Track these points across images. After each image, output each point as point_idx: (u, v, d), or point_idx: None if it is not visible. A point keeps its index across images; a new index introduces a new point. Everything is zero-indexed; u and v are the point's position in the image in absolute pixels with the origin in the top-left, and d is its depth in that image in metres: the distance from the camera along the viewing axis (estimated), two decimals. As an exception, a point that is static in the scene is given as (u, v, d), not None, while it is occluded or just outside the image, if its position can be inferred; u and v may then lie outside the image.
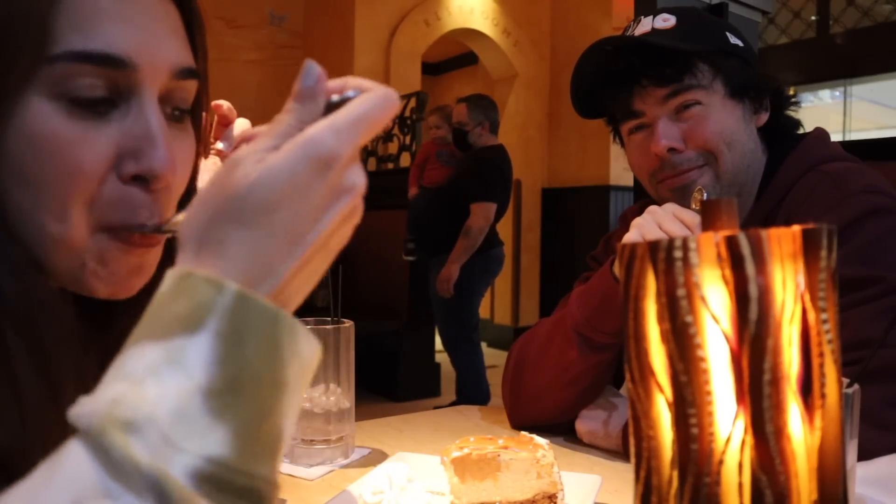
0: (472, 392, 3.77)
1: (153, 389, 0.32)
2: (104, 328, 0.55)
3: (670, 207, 0.88)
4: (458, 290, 3.57)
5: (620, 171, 5.39)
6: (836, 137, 1.08)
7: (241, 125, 0.71)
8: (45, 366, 0.46)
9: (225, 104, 0.70)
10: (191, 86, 0.53)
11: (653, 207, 0.89)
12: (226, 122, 0.71)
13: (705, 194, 0.94)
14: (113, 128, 0.47)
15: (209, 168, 0.72)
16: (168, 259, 0.54)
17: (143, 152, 0.48)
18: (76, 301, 0.52)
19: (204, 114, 0.73)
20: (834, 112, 7.56)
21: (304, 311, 1.13)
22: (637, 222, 0.89)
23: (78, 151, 0.46)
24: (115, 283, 0.50)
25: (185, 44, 0.53)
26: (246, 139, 0.71)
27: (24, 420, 0.44)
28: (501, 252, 3.81)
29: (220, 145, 0.70)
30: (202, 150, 0.74)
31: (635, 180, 1.11)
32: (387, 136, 5.17)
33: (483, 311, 6.72)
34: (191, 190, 0.58)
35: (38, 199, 0.46)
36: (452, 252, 3.54)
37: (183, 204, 0.55)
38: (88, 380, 0.38)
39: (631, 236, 0.88)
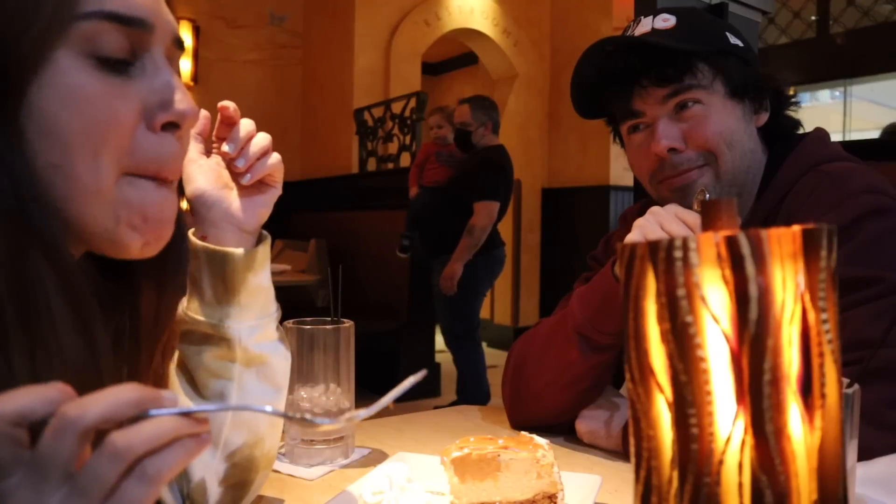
0: (472, 392, 3.78)
1: None
2: (123, 299, 0.57)
3: (672, 208, 0.88)
4: (461, 289, 3.58)
5: (620, 171, 5.39)
6: (836, 137, 1.08)
7: (246, 126, 0.71)
8: (84, 329, 0.48)
9: (231, 105, 0.71)
10: (180, 58, 0.57)
11: (655, 208, 0.89)
12: (230, 123, 0.71)
13: (707, 195, 0.94)
14: (136, 84, 0.51)
15: (212, 168, 0.72)
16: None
17: (170, 101, 0.52)
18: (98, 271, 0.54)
19: (205, 112, 0.73)
20: (834, 112, 7.56)
21: (304, 311, 1.13)
22: (639, 223, 0.89)
23: (110, 103, 0.49)
24: (148, 230, 0.53)
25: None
26: (251, 138, 0.71)
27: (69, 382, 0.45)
28: (503, 252, 3.83)
29: (226, 147, 0.70)
30: (204, 145, 0.74)
31: (635, 180, 1.11)
32: (387, 136, 5.17)
33: (483, 311, 6.71)
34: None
35: (70, 153, 0.48)
36: (456, 251, 3.56)
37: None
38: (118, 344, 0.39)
39: (633, 237, 0.88)
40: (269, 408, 0.45)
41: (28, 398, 0.37)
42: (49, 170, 0.48)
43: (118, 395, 0.38)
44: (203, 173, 0.72)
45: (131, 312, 0.58)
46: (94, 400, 0.37)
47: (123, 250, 0.53)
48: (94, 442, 0.37)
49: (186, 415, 0.39)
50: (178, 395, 0.71)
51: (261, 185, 0.73)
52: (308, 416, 0.49)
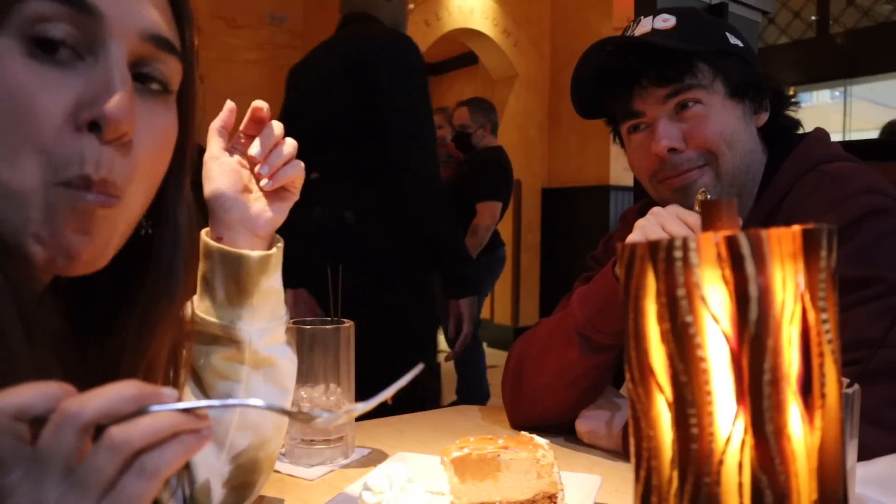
0: (472, 392, 3.79)
1: None
2: (101, 341, 0.54)
3: (674, 209, 0.88)
4: None
5: (620, 171, 5.39)
6: (836, 137, 1.08)
7: (275, 131, 0.71)
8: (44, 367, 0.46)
9: (265, 106, 0.70)
10: (171, 61, 0.52)
11: (656, 209, 0.89)
12: (260, 122, 0.71)
13: (708, 196, 0.94)
14: (75, 78, 0.46)
15: (233, 168, 0.72)
16: (134, 246, 0.53)
17: (100, 98, 0.46)
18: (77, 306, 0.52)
19: (230, 104, 0.72)
20: (834, 112, 7.56)
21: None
22: (640, 223, 0.89)
23: (35, 95, 0.45)
24: (55, 244, 0.47)
25: (166, 16, 0.52)
26: (277, 144, 0.71)
27: None
28: (504, 252, 3.85)
29: (252, 151, 0.70)
30: (226, 141, 0.73)
31: (635, 180, 1.11)
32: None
33: (483, 311, 6.72)
34: (175, 175, 0.56)
35: None
36: None
37: (165, 188, 0.55)
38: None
39: (634, 237, 0.88)
40: (261, 402, 0.43)
41: (29, 394, 0.37)
42: None
43: (118, 391, 0.37)
44: (224, 173, 0.71)
45: (103, 337, 0.54)
46: (94, 396, 0.37)
47: (30, 262, 0.47)
48: (94, 439, 0.37)
49: (186, 411, 0.39)
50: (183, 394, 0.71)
51: (280, 190, 0.73)
52: (306, 408, 0.49)
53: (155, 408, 0.38)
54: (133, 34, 0.49)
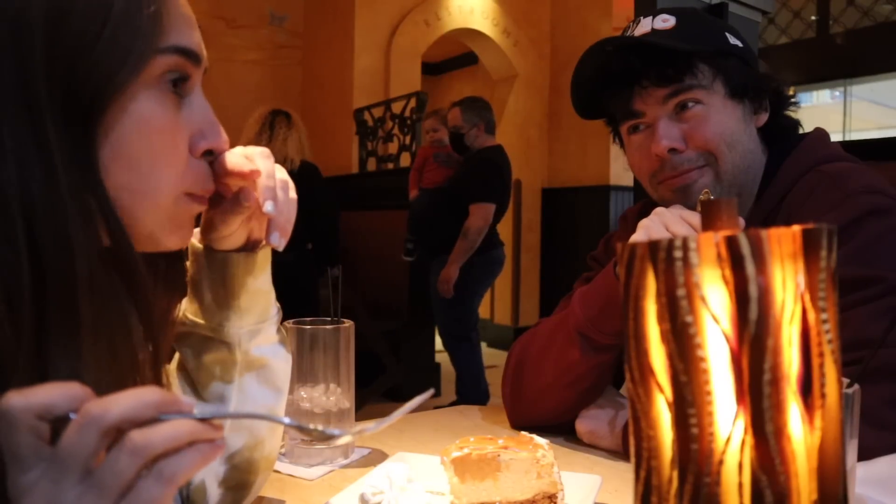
0: (471, 392, 3.79)
1: None
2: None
3: (677, 210, 0.88)
4: (458, 291, 3.59)
5: (620, 171, 5.39)
6: (835, 137, 1.08)
7: (279, 179, 0.67)
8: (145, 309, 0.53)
9: (244, 167, 0.64)
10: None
11: (660, 209, 0.89)
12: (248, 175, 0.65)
13: (711, 197, 0.94)
14: (185, 113, 0.57)
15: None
16: None
17: (209, 132, 0.58)
18: None
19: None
20: (834, 112, 7.56)
21: (304, 311, 1.12)
22: (644, 224, 0.89)
23: (173, 130, 0.55)
24: (186, 234, 0.60)
25: None
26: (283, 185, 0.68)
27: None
28: (502, 253, 3.83)
29: (267, 209, 0.64)
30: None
31: (635, 180, 1.11)
32: (387, 137, 5.17)
33: (483, 311, 6.71)
34: None
35: (139, 175, 0.53)
36: (452, 253, 3.56)
37: None
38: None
39: (638, 237, 0.88)
40: (287, 419, 0.47)
41: (53, 392, 0.39)
42: (119, 189, 0.52)
43: (140, 397, 0.39)
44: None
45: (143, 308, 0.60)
46: (116, 400, 0.38)
47: (158, 247, 0.58)
48: (111, 442, 0.38)
49: (203, 420, 0.40)
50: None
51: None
52: (320, 427, 0.51)
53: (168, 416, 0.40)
54: (202, 70, 0.59)
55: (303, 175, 3.42)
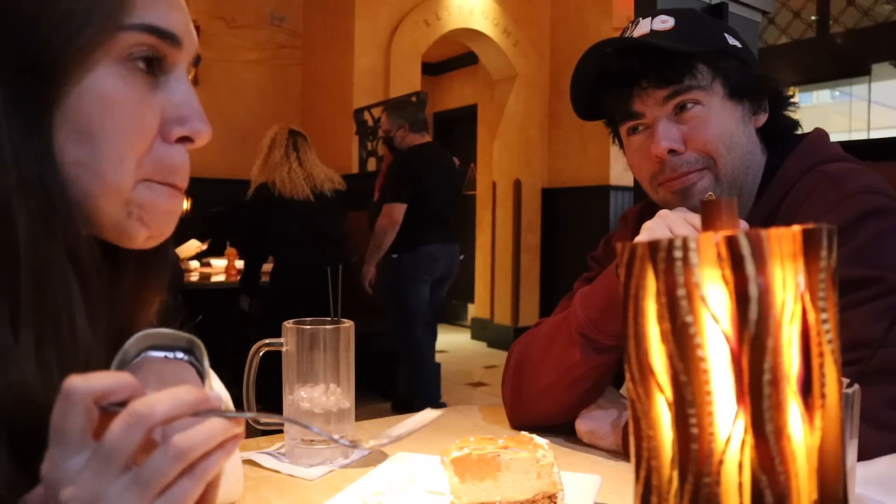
0: (417, 383, 3.87)
1: None
2: (113, 283, 0.60)
3: (681, 212, 0.88)
4: (390, 289, 3.73)
5: (620, 171, 5.39)
6: (836, 138, 1.08)
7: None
8: (89, 307, 0.52)
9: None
10: (193, 72, 0.61)
11: (664, 212, 0.89)
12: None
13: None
14: (159, 95, 0.55)
15: None
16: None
17: (188, 117, 0.56)
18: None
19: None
20: (834, 112, 7.56)
21: (304, 310, 1.12)
22: (648, 225, 0.89)
23: (140, 110, 0.53)
24: (155, 226, 0.57)
25: None
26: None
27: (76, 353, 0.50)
28: (436, 249, 3.79)
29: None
30: None
31: (635, 180, 1.11)
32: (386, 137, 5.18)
33: (483, 311, 6.74)
34: None
35: (98, 152, 0.52)
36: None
37: None
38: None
39: (641, 238, 0.88)
40: (315, 428, 0.49)
41: (112, 381, 0.41)
42: (76, 166, 0.51)
43: (180, 397, 0.41)
44: None
45: (116, 298, 0.60)
46: (160, 399, 0.40)
47: (129, 241, 0.57)
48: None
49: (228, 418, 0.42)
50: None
51: None
52: (336, 436, 0.53)
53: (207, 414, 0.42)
54: (191, 57, 0.58)
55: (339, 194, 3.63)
